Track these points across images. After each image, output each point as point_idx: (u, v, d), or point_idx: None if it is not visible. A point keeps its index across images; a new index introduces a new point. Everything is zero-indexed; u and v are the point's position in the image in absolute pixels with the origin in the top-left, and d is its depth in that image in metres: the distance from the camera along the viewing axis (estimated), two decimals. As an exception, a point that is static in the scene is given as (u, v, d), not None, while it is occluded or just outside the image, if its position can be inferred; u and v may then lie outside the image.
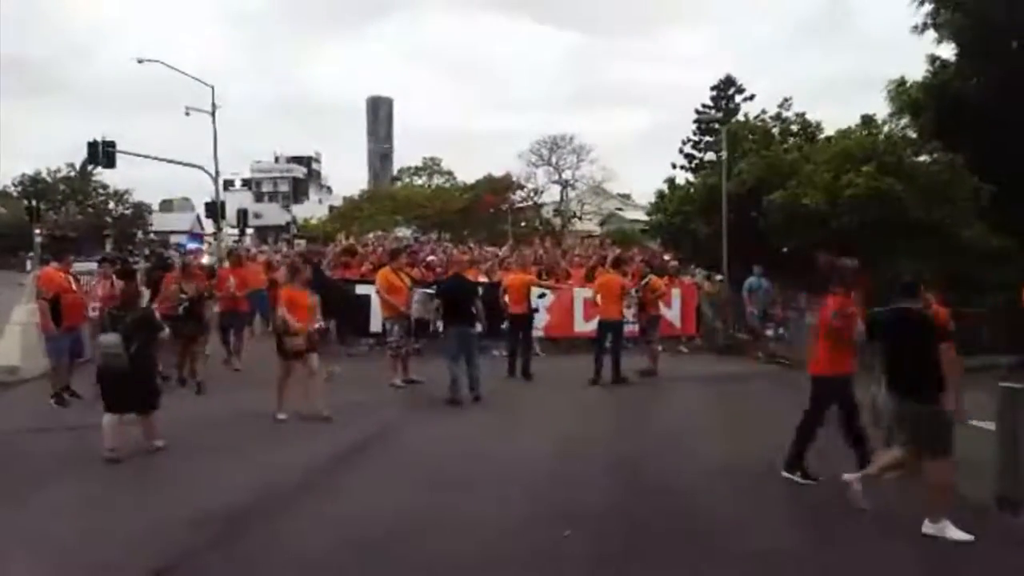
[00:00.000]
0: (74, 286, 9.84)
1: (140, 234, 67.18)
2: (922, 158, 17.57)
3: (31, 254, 35.19)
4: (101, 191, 67.08)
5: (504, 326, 12.40)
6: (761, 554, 5.27)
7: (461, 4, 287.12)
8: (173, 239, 60.11)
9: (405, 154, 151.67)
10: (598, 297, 11.84)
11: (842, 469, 6.44)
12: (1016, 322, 12.45)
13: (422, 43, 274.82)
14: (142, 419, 7.39)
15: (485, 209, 56.76)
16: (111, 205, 67.81)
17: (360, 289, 13.67)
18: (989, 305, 14.07)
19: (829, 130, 20.90)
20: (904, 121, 19.30)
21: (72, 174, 66.38)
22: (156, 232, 69.05)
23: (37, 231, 35.42)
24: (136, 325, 7.31)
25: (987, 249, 15.59)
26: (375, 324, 13.13)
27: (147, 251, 26.24)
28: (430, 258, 14.73)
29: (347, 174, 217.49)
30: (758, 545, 5.43)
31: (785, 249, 17.46)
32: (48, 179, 66.98)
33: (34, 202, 41.89)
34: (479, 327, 10.71)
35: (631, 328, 13.04)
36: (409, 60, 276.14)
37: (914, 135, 18.93)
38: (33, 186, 64.60)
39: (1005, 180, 16.62)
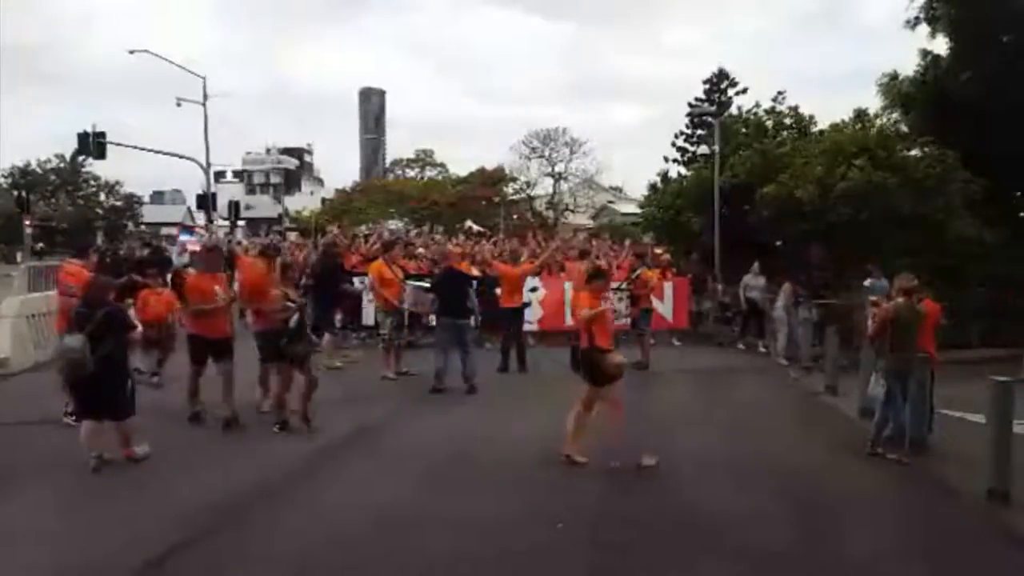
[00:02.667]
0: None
1: (131, 226, 66.80)
2: (914, 152, 17.62)
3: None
4: (92, 182, 66.66)
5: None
6: (756, 548, 5.29)
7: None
8: (164, 231, 59.81)
9: (397, 146, 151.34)
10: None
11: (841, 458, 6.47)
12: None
13: (414, 34, 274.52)
14: (116, 427, 6.79)
15: (477, 202, 56.64)
16: (102, 197, 67.43)
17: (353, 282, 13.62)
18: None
19: (822, 124, 20.94)
20: (896, 115, 19.37)
21: (62, 165, 65.89)
22: (147, 224, 68.66)
23: (27, 222, 35.23)
24: (105, 324, 6.59)
25: (977, 243, 15.67)
26: (367, 317, 13.10)
27: (144, 242, 25.05)
28: (419, 250, 14.69)
29: (339, 166, 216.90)
30: (753, 539, 5.45)
31: (778, 242, 17.51)
32: (38, 170, 66.40)
33: (24, 193, 41.66)
34: (472, 320, 10.72)
35: (623, 322, 13.05)
36: (401, 51, 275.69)
37: (906, 129, 18.99)
38: (23, 177, 64.10)
39: (996, 174, 16.71)
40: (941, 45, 18.73)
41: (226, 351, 8.18)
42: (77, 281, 8.42)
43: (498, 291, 12.17)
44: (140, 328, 7.54)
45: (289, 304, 7.94)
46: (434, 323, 11.16)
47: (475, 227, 24.51)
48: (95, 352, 6.46)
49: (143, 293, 10.05)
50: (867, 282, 13.30)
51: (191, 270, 9.64)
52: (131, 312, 8.92)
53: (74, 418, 7.79)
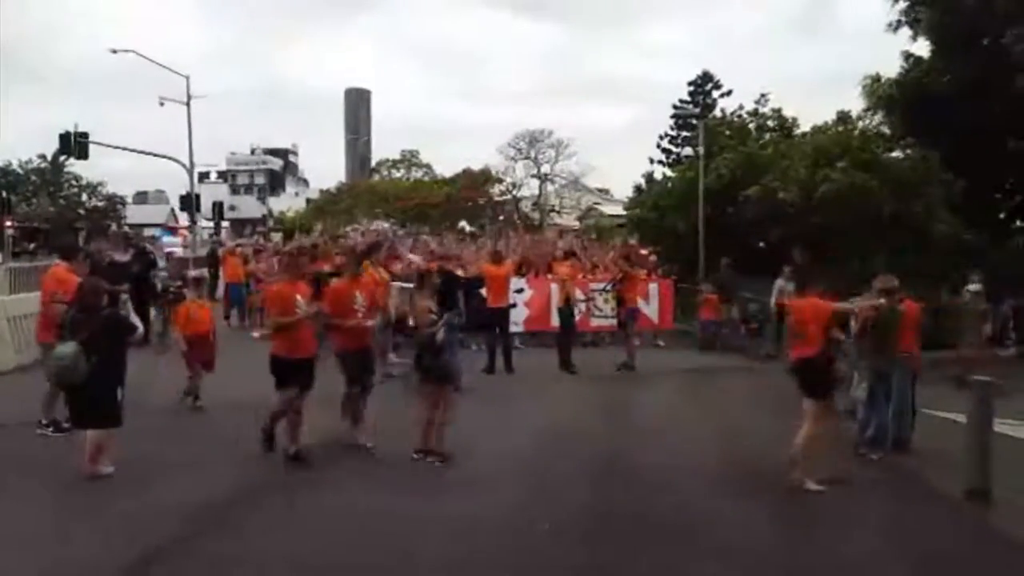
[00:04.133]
0: None
1: (114, 227, 66.22)
2: (895, 154, 17.78)
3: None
4: (74, 183, 66.01)
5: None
6: (740, 549, 5.32)
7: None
8: (147, 232, 59.40)
9: (383, 146, 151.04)
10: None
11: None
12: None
13: (400, 35, 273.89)
14: (92, 436, 6.42)
15: (463, 203, 56.55)
16: (84, 197, 66.77)
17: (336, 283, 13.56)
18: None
19: (805, 126, 21.10)
20: (878, 117, 19.52)
21: (44, 165, 65.23)
22: (130, 225, 68.14)
23: (8, 223, 34.87)
24: (103, 330, 6.41)
25: (958, 244, 15.83)
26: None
27: (129, 242, 24.16)
28: (411, 256, 14.62)
29: (324, 166, 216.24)
30: (736, 540, 5.48)
31: (761, 243, 17.62)
32: (19, 170, 65.72)
33: (4, 193, 41.21)
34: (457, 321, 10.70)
35: (610, 323, 13.09)
36: (387, 52, 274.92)
37: (888, 131, 19.15)
38: (4, 177, 63.39)
39: (976, 175, 16.89)
40: (923, 48, 18.94)
41: (308, 376, 7.13)
42: (66, 288, 7.68)
43: (482, 291, 12.15)
44: (141, 330, 7.26)
45: (434, 316, 7.24)
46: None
47: (468, 227, 24.50)
48: (90, 359, 6.22)
49: (184, 306, 9.22)
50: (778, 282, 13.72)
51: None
52: (175, 332, 8.86)
53: (52, 429, 7.65)
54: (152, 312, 12.90)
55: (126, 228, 64.17)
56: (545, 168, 60.13)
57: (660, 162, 38.55)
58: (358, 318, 7.54)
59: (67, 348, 6.27)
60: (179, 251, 20.03)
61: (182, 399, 8.94)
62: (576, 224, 50.11)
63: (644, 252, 16.53)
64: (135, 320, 7.44)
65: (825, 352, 6.66)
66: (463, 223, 26.24)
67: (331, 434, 7.62)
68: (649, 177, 25.82)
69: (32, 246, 37.48)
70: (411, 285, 10.90)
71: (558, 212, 58.25)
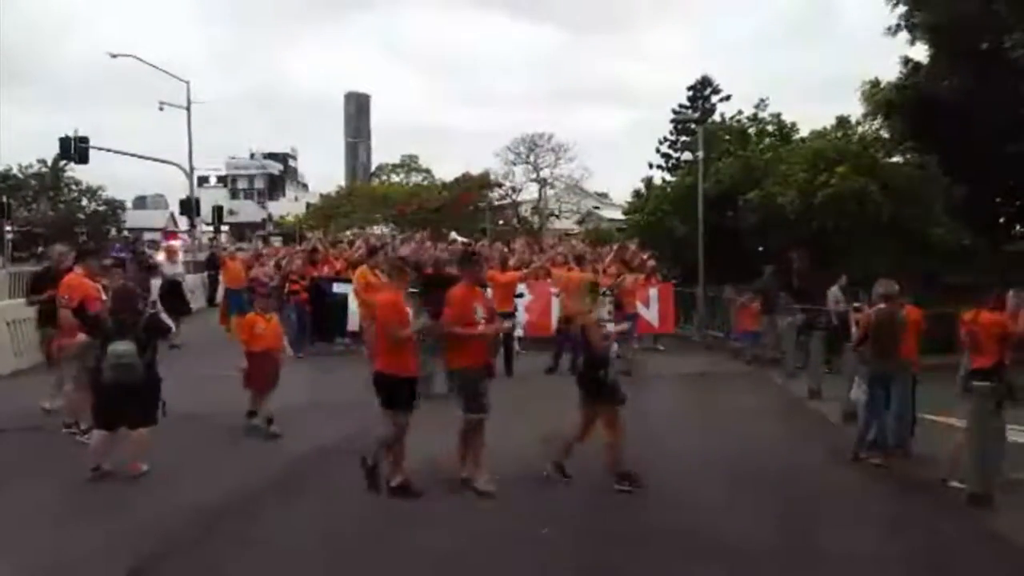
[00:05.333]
0: (103, 295, 7.91)
1: (114, 231, 66.20)
2: (895, 159, 17.78)
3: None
4: (73, 187, 66.01)
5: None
6: (740, 552, 5.32)
7: (440, 0, 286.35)
8: (147, 236, 59.44)
9: (382, 150, 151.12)
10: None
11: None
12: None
13: (400, 39, 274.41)
14: (134, 436, 6.60)
15: (463, 207, 56.60)
16: (84, 202, 66.75)
17: (337, 288, 13.59)
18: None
19: (804, 131, 21.09)
20: (878, 122, 19.52)
21: (43, 170, 65.22)
22: (130, 229, 68.19)
23: (8, 228, 34.88)
24: (147, 330, 6.66)
25: (957, 249, 15.83)
26: (352, 323, 13.05)
27: (130, 247, 23.83)
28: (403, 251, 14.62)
29: (324, 170, 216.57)
30: (736, 543, 5.47)
31: (760, 249, 17.61)
32: (19, 175, 65.70)
33: (4, 198, 41.22)
34: None
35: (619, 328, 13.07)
36: (387, 56, 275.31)
37: (887, 136, 19.16)
38: (3, 182, 63.37)
39: (975, 180, 16.89)
40: (921, 52, 18.94)
41: (414, 396, 6.55)
42: (73, 295, 7.72)
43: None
44: (173, 328, 7.13)
45: (607, 330, 6.66)
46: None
47: (459, 238, 24.48)
48: (142, 356, 6.44)
49: (249, 318, 8.50)
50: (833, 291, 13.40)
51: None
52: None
53: (84, 434, 7.42)
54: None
55: (125, 233, 64.44)
56: (544, 172, 60.26)
57: (659, 166, 38.65)
58: (484, 327, 6.58)
59: (125, 347, 6.38)
60: (163, 262, 17.46)
61: (250, 424, 8.11)
62: (576, 228, 50.21)
63: (644, 257, 16.50)
64: (168, 321, 7.44)
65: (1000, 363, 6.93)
66: (453, 233, 26.21)
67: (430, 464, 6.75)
68: (649, 182, 25.80)
69: (40, 250, 37.57)
70: (412, 290, 10.91)
71: (557, 216, 58.35)
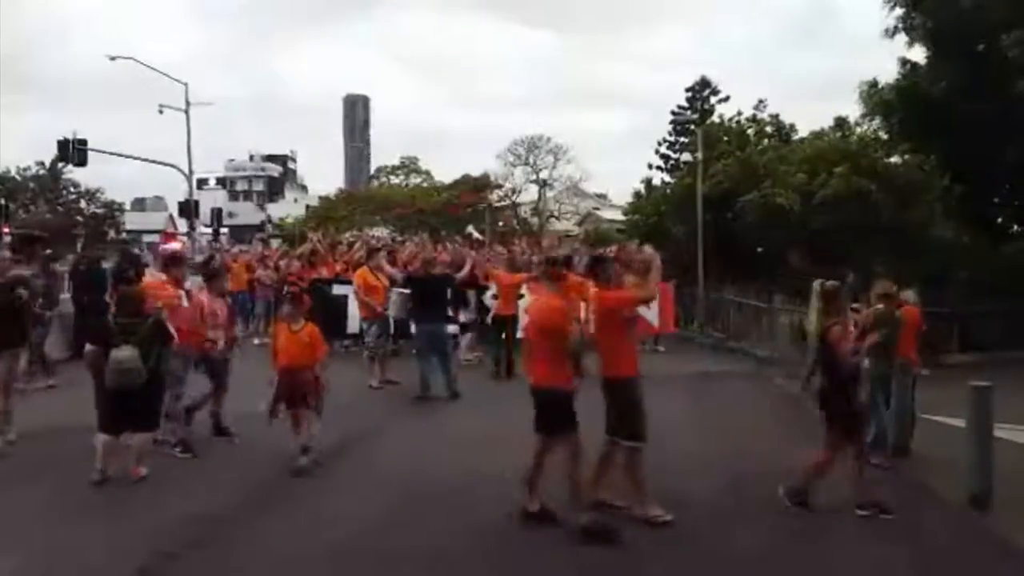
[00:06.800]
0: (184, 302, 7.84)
1: (112, 233, 66.18)
2: (894, 159, 17.83)
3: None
4: (72, 190, 66.03)
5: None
6: (738, 552, 5.34)
7: (439, 2, 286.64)
8: (146, 238, 59.37)
9: (382, 153, 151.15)
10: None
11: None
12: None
13: (399, 41, 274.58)
14: (136, 440, 6.62)
15: (462, 208, 56.63)
16: (82, 204, 66.76)
17: (337, 289, 13.56)
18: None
19: (803, 131, 21.15)
20: (876, 122, 19.57)
21: (42, 172, 65.24)
22: (128, 231, 68.15)
23: (6, 230, 34.83)
24: (151, 334, 6.62)
25: (956, 248, 15.86)
26: (352, 325, 13.04)
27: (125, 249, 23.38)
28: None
29: (323, 173, 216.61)
30: (735, 543, 5.49)
31: (760, 249, 17.65)
32: (17, 177, 65.72)
33: (3, 201, 41.18)
34: (451, 328, 10.74)
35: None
36: (386, 58, 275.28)
37: (886, 136, 19.20)
38: (2, 184, 63.37)
39: (973, 179, 16.93)
40: (919, 53, 18.99)
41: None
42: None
43: (492, 298, 12.19)
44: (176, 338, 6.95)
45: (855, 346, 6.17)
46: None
47: (476, 234, 24.34)
48: (146, 362, 6.43)
49: (276, 327, 7.63)
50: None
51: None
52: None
53: (179, 449, 7.38)
54: None
55: (124, 235, 64.38)
56: (544, 174, 60.27)
57: (659, 167, 38.60)
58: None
59: (128, 352, 6.38)
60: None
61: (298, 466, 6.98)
62: (575, 229, 50.23)
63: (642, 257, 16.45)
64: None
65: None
66: (470, 228, 26.07)
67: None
68: (648, 183, 25.85)
69: (47, 252, 37.51)
70: (409, 291, 10.90)
71: (557, 217, 58.40)
